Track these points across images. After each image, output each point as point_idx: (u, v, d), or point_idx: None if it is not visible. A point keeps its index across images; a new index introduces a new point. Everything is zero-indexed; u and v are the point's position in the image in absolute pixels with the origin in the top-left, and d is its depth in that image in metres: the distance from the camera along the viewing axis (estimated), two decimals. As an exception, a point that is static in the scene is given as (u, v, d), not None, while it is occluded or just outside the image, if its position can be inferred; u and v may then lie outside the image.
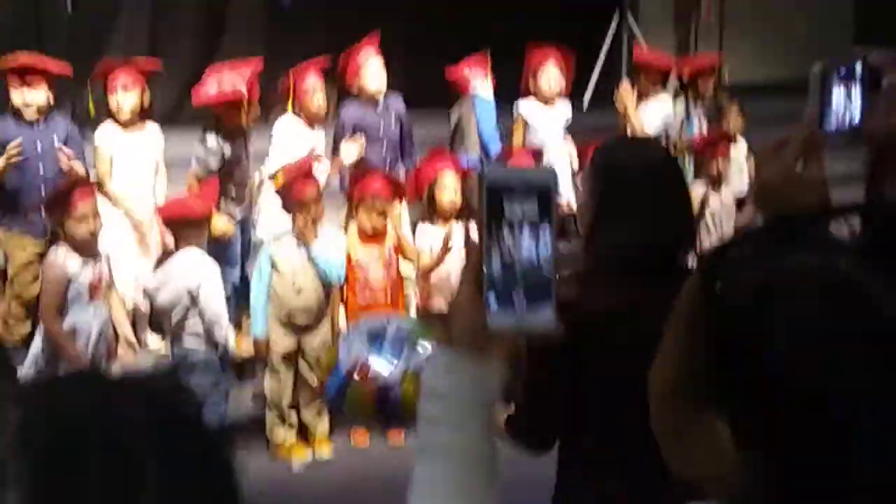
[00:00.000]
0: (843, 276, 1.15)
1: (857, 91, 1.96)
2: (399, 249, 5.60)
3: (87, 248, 4.90)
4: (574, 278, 2.49)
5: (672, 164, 2.66)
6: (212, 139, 5.78)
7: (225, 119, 5.80)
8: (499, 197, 1.49)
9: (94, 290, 4.94)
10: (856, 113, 1.96)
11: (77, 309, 4.88)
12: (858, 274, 1.14)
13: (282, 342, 5.33)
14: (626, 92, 6.86)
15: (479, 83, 6.61)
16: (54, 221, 4.95)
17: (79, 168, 5.60)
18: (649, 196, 2.48)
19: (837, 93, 1.96)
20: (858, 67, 1.97)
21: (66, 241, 4.87)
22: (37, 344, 4.92)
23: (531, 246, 1.45)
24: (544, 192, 1.50)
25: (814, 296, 1.14)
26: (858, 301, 1.13)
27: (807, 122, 1.95)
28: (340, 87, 6.33)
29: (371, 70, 6.24)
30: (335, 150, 6.16)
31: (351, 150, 6.05)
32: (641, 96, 7.02)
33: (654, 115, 6.99)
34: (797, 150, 1.89)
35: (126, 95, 5.74)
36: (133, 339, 5.50)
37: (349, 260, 5.47)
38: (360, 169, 5.89)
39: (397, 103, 6.44)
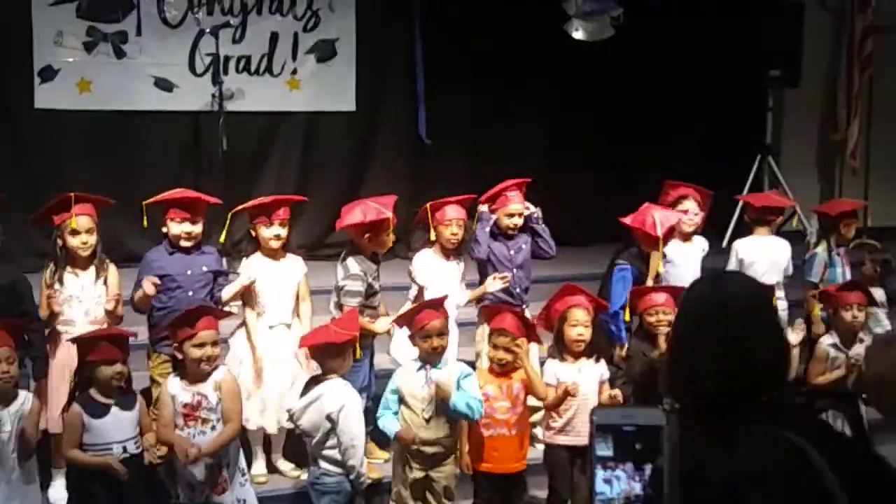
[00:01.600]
0: None
1: None
2: (527, 385, 5.63)
3: (198, 373, 5.12)
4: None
5: (762, 300, 2.53)
6: (353, 264, 5.96)
7: (365, 245, 6.00)
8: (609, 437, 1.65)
9: (189, 413, 5.14)
10: None
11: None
12: None
13: (410, 472, 5.41)
14: None
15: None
16: (177, 344, 5.16)
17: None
18: (715, 334, 2.40)
19: None
20: None
21: (184, 366, 5.12)
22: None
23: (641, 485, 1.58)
24: (653, 432, 1.62)
25: None
26: None
27: None
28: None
29: (513, 209, 6.45)
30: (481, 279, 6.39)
31: (496, 285, 6.25)
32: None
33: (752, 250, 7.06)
34: None
35: (281, 229, 5.98)
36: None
37: (477, 391, 5.55)
38: (493, 305, 6.02)
39: (522, 237, 6.58)
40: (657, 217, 6.36)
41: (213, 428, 5.16)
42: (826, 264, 7.10)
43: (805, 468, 1.74)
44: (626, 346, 6.11)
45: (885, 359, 1.92)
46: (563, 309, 5.74)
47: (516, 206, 6.46)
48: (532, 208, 6.54)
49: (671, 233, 6.46)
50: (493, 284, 6.28)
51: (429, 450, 5.41)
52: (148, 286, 5.61)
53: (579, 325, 5.67)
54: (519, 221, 6.48)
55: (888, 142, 10.45)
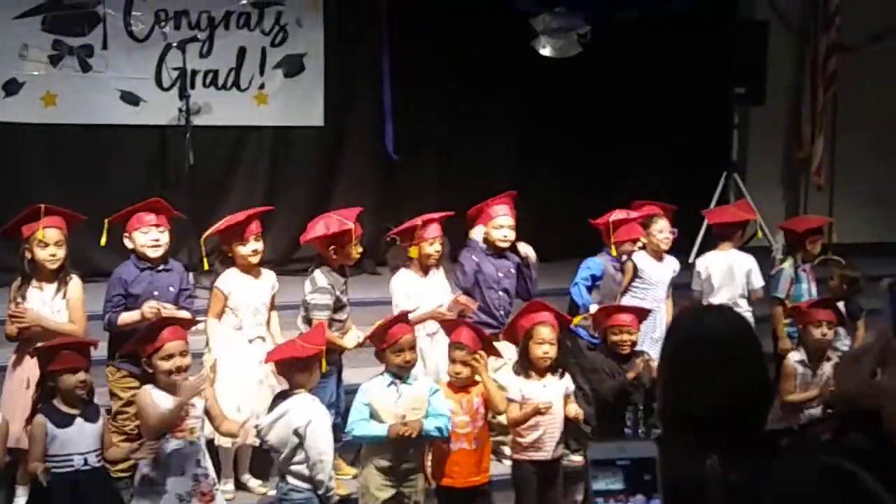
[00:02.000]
0: None
1: None
2: (487, 400, 5.62)
3: (171, 385, 5.06)
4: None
5: (745, 334, 2.59)
6: (321, 277, 5.94)
7: (331, 259, 5.98)
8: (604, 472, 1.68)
9: (177, 424, 5.09)
10: None
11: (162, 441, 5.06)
12: None
13: (381, 493, 5.38)
14: None
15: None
16: (145, 358, 5.11)
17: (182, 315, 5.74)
18: (718, 366, 2.46)
19: None
20: None
21: (154, 379, 5.06)
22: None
23: None
24: (648, 464, 1.66)
25: None
26: None
27: (881, 333, 1.98)
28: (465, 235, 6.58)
29: (498, 224, 6.48)
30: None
31: (454, 308, 6.18)
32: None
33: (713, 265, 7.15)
34: (874, 362, 1.92)
35: (257, 243, 5.98)
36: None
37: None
38: (451, 320, 5.99)
39: (512, 257, 6.59)
40: (616, 216, 6.63)
41: (199, 438, 5.14)
42: (792, 280, 7.15)
43: (860, 489, 1.76)
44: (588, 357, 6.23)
45: (853, 375, 1.95)
46: (528, 326, 5.73)
47: (505, 220, 6.47)
48: (531, 253, 6.53)
49: (627, 227, 6.62)
50: (453, 306, 6.18)
51: (401, 466, 5.40)
52: (151, 312, 5.55)
53: (545, 343, 5.69)
54: (509, 234, 6.48)
55: (852, 159, 10.56)
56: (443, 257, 6.42)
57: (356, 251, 6.08)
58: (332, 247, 5.96)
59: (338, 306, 5.98)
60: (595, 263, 6.71)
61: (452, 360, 5.56)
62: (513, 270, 6.55)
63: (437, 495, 5.64)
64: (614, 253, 6.65)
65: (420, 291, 6.25)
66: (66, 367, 4.99)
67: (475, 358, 5.52)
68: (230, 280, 6.00)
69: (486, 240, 6.50)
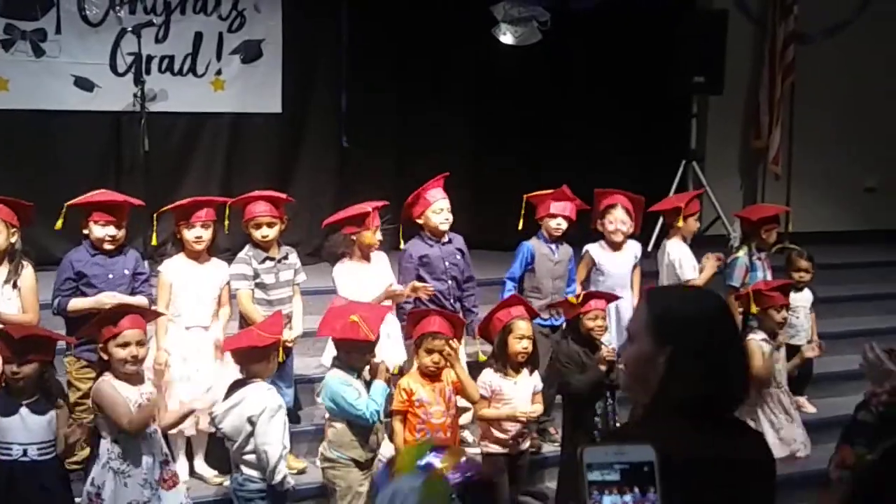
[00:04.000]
0: None
1: None
2: (458, 389, 5.61)
3: (129, 375, 5.02)
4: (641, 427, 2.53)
5: (730, 316, 2.65)
6: (245, 250, 6.08)
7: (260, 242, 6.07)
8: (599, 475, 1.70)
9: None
10: None
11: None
12: None
13: (363, 488, 5.36)
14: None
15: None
16: (101, 345, 5.04)
17: (141, 301, 5.72)
18: (716, 348, 2.49)
19: None
20: None
21: (110, 368, 5.00)
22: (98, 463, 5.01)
23: None
24: (645, 467, 1.68)
25: None
26: None
27: None
28: (405, 222, 6.53)
29: (438, 208, 6.42)
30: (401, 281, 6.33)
31: (402, 291, 6.18)
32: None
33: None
34: None
35: (203, 230, 5.93)
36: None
37: (409, 397, 5.50)
38: (419, 309, 5.97)
39: (459, 242, 6.56)
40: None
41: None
42: (747, 269, 7.16)
43: None
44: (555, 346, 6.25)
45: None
46: (507, 320, 5.73)
47: (441, 202, 6.42)
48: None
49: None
50: (402, 289, 6.16)
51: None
52: (109, 299, 5.52)
53: (524, 339, 5.70)
54: (448, 217, 6.44)
55: (810, 148, 10.63)
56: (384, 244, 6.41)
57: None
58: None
59: (259, 284, 6.03)
60: (524, 248, 6.73)
61: (428, 350, 5.52)
62: (458, 257, 6.51)
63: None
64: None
65: (363, 279, 6.19)
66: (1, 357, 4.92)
67: (449, 344, 5.51)
68: (172, 265, 5.98)
69: (426, 226, 6.45)
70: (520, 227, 6.75)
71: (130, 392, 5.00)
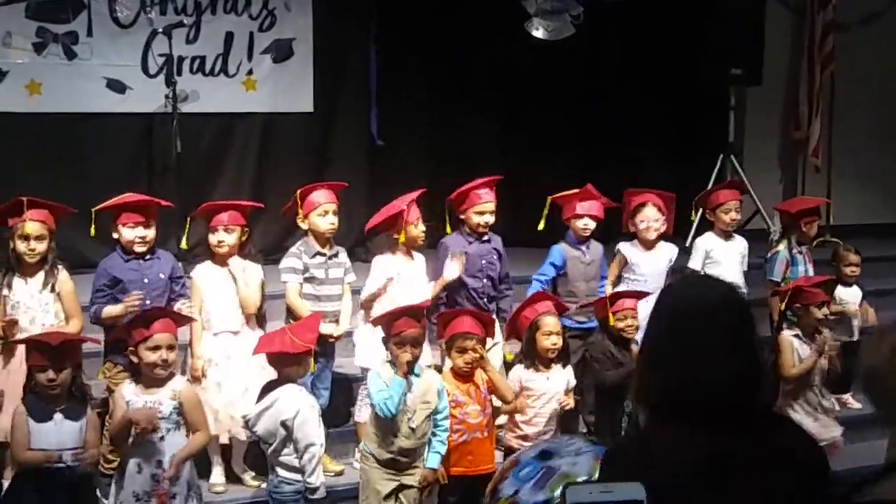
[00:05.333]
0: None
1: None
2: (492, 388, 5.55)
3: (154, 378, 5.01)
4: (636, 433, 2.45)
5: (734, 306, 2.45)
6: (297, 245, 6.12)
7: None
8: None
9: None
10: None
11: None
12: None
13: (383, 487, 5.31)
14: None
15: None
16: (132, 347, 5.03)
17: (185, 308, 5.71)
18: (698, 338, 2.34)
19: None
20: None
21: (140, 372, 5.00)
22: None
23: None
24: None
25: None
26: None
27: None
28: (448, 218, 6.52)
29: (482, 210, 6.38)
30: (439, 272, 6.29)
31: (453, 269, 6.15)
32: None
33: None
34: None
35: (226, 235, 5.91)
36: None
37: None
38: (449, 310, 5.93)
39: (497, 242, 6.51)
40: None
41: (163, 438, 5.01)
42: (788, 262, 7.03)
43: None
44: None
45: (878, 351, 1.92)
46: (533, 317, 5.70)
47: (487, 205, 6.37)
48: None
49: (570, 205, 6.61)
50: (451, 269, 6.14)
51: (404, 459, 5.32)
52: (132, 303, 5.53)
53: (553, 335, 5.65)
54: (490, 220, 6.39)
55: (850, 139, 10.46)
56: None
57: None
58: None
59: (308, 278, 6.03)
60: (555, 252, 6.63)
61: (461, 350, 5.46)
62: (496, 258, 6.45)
63: (450, 485, 5.55)
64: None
65: (405, 276, 6.15)
66: (35, 365, 4.91)
67: (477, 349, 5.46)
68: (202, 270, 5.99)
69: (467, 223, 6.40)
70: (540, 227, 6.66)
71: (135, 399, 4.98)
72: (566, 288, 6.61)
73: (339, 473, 6.02)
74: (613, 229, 7.15)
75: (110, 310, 5.65)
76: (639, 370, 2.50)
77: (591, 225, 6.61)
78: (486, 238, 6.44)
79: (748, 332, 2.42)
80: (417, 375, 5.32)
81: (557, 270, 6.61)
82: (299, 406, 5.11)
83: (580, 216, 6.59)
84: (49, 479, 4.86)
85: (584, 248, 6.64)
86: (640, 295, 6.17)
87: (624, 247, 6.86)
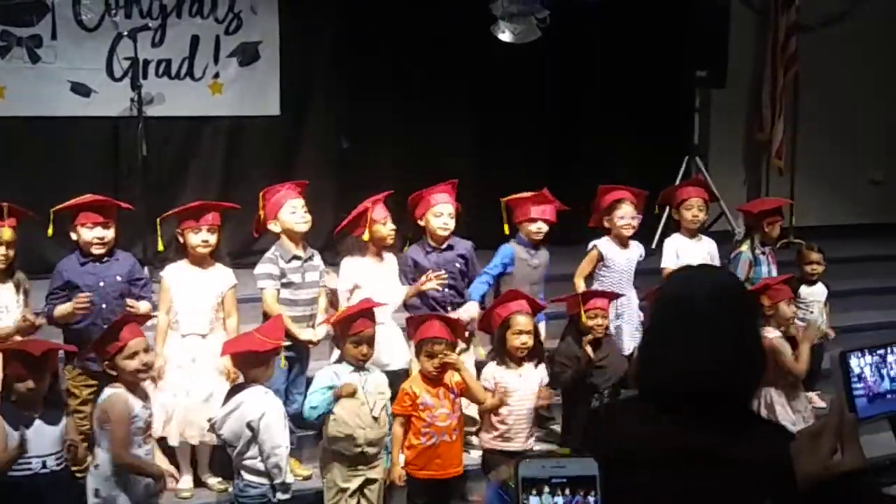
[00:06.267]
0: None
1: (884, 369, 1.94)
2: (464, 390, 5.57)
3: (138, 386, 5.00)
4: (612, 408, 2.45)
5: (731, 296, 2.38)
6: (272, 249, 6.03)
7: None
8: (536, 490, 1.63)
9: (145, 430, 5.04)
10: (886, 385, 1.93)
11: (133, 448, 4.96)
12: None
13: (348, 484, 5.35)
14: None
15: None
16: (107, 360, 5.00)
17: (144, 308, 5.68)
18: (684, 326, 2.32)
19: (860, 374, 1.92)
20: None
21: (119, 380, 4.96)
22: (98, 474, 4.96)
23: None
24: (587, 482, 1.62)
25: None
26: None
27: (835, 408, 1.90)
28: (409, 222, 6.50)
29: (439, 212, 6.36)
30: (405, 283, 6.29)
31: (431, 285, 6.13)
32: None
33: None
34: (832, 439, 1.87)
35: (209, 235, 5.88)
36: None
37: (413, 401, 5.46)
38: (418, 315, 5.93)
39: (462, 248, 6.48)
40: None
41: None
42: (751, 263, 7.08)
43: None
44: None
45: (813, 456, 1.89)
46: (505, 315, 5.71)
47: (444, 206, 6.34)
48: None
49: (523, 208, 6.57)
50: (429, 284, 6.12)
51: (371, 450, 5.36)
52: (81, 303, 5.50)
53: (523, 334, 5.67)
54: (448, 222, 6.34)
55: (813, 141, 10.56)
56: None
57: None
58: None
59: (286, 283, 5.98)
60: (506, 251, 6.59)
61: (430, 355, 5.46)
62: (457, 264, 6.41)
63: (414, 487, 5.56)
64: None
65: (373, 277, 6.13)
66: (13, 374, 4.84)
67: (447, 353, 5.47)
68: (174, 270, 5.93)
69: (427, 228, 6.39)
70: (506, 231, 6.65)
71: (139, 409, 4.97)
72: (508, 287, 6.54)
73: (308, 478, 6.01)
74: (573, 231, 7.13)
75: (61, 309, 5.62)
76: (638, 355, 2.54)
77: (545, 228, 6.57)
78: (446, 246, 6.39)
79: (742, 323, 2.36)
80: (369, 370, 5.40)
81: (504, 270, 6.59)
82: (265, 408, 5.10)
83: (534, 220, 6.56)
84: (36, 489, 4.80)
85: (533, 251, 6.62)
86: (612, 296, 6.22)
87: (601, 243, 6.83)
